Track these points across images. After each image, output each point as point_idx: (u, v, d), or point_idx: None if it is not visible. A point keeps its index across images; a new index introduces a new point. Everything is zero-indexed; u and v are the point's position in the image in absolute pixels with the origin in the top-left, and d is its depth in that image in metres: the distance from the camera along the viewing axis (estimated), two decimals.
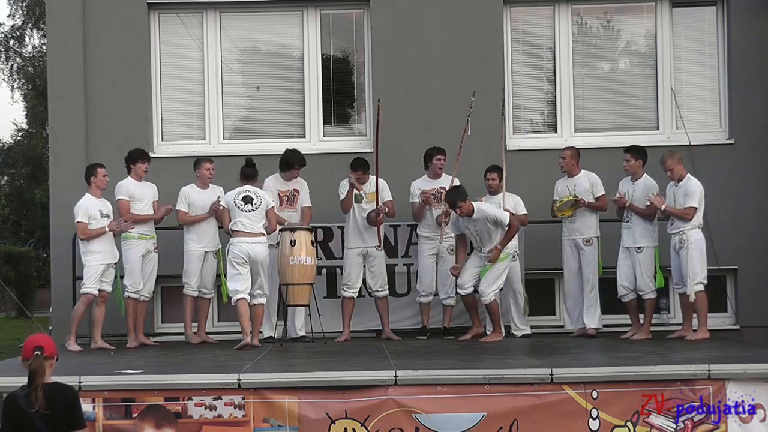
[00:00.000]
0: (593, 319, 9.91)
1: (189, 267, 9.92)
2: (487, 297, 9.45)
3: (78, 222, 9.40)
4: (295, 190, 10.02)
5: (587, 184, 9.93)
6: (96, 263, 9.41)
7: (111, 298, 9.64)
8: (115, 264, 9.61)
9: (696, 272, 9.22)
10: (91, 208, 9.44)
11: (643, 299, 9.70)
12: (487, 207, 9.53)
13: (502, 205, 9.86)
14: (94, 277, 9.41)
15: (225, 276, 9.50)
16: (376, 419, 6.90)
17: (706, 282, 9.31)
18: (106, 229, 9.44)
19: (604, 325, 10.10)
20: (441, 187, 9.94)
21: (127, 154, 9.88)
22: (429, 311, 10.11)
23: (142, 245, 9.70)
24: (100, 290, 9.48)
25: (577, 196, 9.78)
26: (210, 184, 10.02)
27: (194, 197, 9.92)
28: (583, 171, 10.00)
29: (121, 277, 9.72)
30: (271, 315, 9.91)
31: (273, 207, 9.50)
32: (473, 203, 9.44)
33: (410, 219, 10.35)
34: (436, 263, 10.03)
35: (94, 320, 9.60)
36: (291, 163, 9.93)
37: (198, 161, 10.07)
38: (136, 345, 9.69)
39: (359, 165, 9.89)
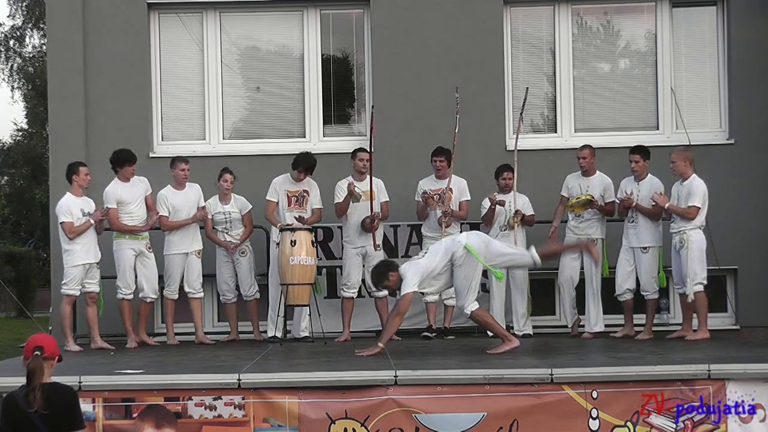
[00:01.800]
0: (595, 321, 9.91)
1: (171, 271, 9.88)
2: (467, 309, 8.32)
3: (63, 222, 9.33)
4: (305, 191, 9.99)
5: (600, 187, 9.89)
6: (76, 264, 9.33)
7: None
8: (98, 263, 9.53)
9: (696, 272, 9.20)
10: (72, 207, 9.37)
11: (645, 299, 9.70)
12: (408, 270, 8.31)
13: (513, 204, 9.85)
14: (76, 279, 9.36)
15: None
16: (376, 419, 6.90)
17: (705, 282, 9.29)
18: (91, 221, 9.36)
19: (605, 325, 10.09)
20: (448, 188, 9.92)
21: (112, 156, 9.75)
22: (435, 311, 10.07)
23: (134, 245, 9.63)
24: (88, 291, 9.44)
25: (593, 197, 9.77)
26: (186, 184, 9.97)
27: (173, 200, 9.85)
28: (598, 172, 9.98)
29: (113, 277, 9.69)
30: (273, 315, 9.92)
31: None
32: (400, 268, 8.36)
33: (410, 219, 10.37)
34: None
35: (90, 321, 9.57)
36: (296, 164, 9.92)
37: (173, 161, 10.01)
38: (136, 345, 9.67)
39: (366, 150, 9.89)
